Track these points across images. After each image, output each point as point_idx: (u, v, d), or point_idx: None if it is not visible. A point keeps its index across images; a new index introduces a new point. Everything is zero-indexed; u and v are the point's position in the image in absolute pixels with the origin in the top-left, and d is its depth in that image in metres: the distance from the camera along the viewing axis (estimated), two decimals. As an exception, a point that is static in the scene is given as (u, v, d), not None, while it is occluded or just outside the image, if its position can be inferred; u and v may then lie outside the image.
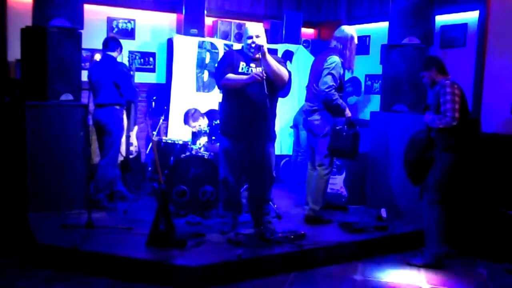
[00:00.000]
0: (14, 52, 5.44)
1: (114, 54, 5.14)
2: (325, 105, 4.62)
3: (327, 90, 4.52)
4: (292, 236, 4.15)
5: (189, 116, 5.36)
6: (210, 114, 5.40)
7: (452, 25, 5.70)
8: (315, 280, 3.83)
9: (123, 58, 6.25)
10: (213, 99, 6.48)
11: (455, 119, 3.85)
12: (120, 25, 6.42)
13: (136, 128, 5.68)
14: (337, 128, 4.56)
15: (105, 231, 4.19)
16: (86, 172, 4.74)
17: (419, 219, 4.46)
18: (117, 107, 5.04)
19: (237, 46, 6.33)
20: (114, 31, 6.34)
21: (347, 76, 6.24)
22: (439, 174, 4.02)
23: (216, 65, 4.52)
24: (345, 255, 4.20)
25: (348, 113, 4.63)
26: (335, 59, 4.60)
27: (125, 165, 5.45)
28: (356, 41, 4.74)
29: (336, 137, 4.55)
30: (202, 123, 5.22)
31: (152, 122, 6.32)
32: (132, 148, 5.58)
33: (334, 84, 4.54)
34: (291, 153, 6.76)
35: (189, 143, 5.27)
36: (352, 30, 4.75)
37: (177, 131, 6.18)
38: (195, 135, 5.18)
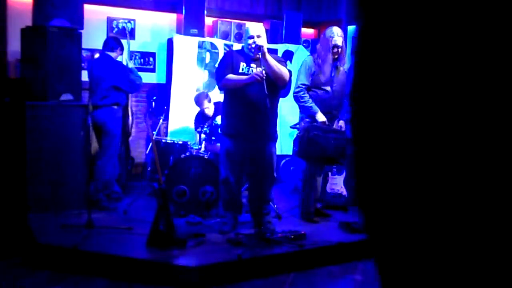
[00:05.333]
0: (14, 52, 5.44)
1: (112, 54, 5.08)
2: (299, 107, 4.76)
3: (295, 90, 4.69)
4: (292, 236, 4.15)
5: (202, 97, 5.44)
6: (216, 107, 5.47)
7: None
8: (315, 280, 3.83)
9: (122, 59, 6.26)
10: (213, 99, 6.48)
11: None
12: (120, 25, 6.42)
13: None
14: (299, 134, 4.62)
15: (105, 231, 4.19)
16: (86, 172, 4.74)
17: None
18: (115, 107, 5.02)
19: (237, 46, 6.34)
20: (114, 31, 6.34)
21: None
22: None
23: (216, 65, 4.52)
24: (345, 255, 4.20)
25: (319, 117, 4.64)
26: (305, 59, 4.82)
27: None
28: (328, 37, 4.71)
29: (298, 143, 4.62)
30: (211, 107, 5.29)
31: (152, 122, 6.32)
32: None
33: (306, 83, 4.65)
34: (291, 153, 6.75)
35: (189, 142, 5.28)
36: (328, 29, 4.80)
37: (177, 131, 6.18)
38: (204, 118, 5.23)
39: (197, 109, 5.67)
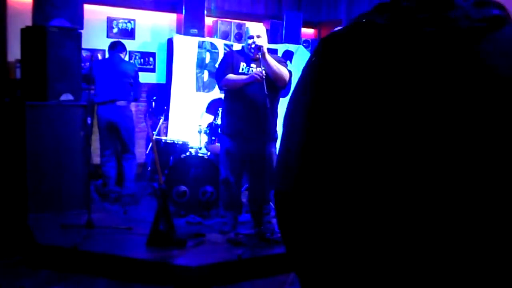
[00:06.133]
0: (14, 52, 5.44)
1: (121, 55, 5.31)
2: None
3: None
4: (292, 236, 4.15)
5: None
6: None
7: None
8: (315, 280, 3.83)
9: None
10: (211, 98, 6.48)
11: None
12: (120, 25, 6.42)
13: None
14: None
15: (105, 231, 4.19)
16: (86, 172, 4.74)
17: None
18: (125, 104, 5.18)
19: (237, 46, 6.34)
20: (114, 31, 6.34)
21: None
22: None
23: (216, 65, 4.52)
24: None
25: None
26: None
27: None
28: None
29: None
30: None
31: (152, 122, 6.32)
32: None
33: None
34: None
35: (188, 143, 5.29)
36: None
37: (177, 131, 6.18)
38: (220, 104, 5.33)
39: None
